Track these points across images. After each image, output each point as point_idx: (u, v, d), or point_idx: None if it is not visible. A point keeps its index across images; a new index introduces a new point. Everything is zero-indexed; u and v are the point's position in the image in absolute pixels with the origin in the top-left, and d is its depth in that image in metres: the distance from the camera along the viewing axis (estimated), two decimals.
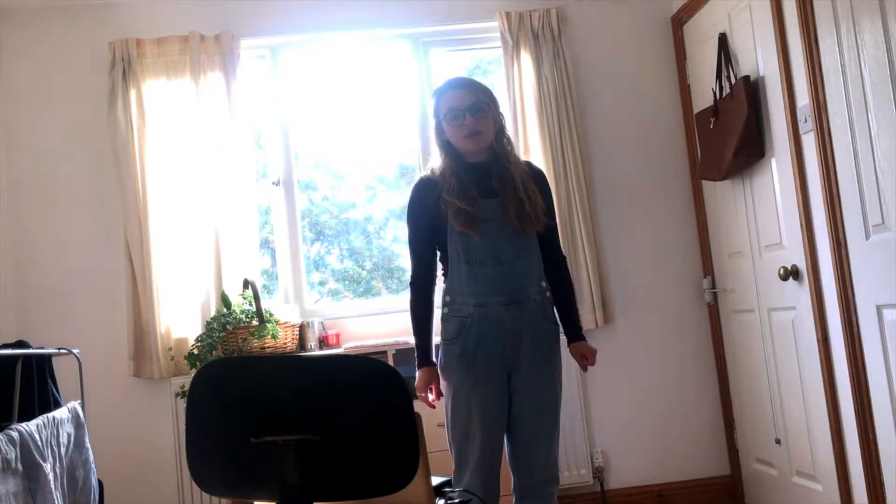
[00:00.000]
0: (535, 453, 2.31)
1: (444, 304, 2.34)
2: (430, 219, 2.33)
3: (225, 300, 3.21)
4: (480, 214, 2.27)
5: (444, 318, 2.34)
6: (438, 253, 2.39)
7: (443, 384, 2.35)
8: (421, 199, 2.35)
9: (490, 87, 2.40)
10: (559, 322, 2.42)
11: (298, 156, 3.69)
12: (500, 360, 2.28)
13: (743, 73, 3.03)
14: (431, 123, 2.42)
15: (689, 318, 3.59)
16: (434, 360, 2.37)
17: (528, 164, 2.47)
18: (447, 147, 2.35)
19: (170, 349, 3.29)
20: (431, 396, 2.36)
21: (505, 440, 2.35)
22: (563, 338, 2.45)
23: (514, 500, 2.37)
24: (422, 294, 2.38)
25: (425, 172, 2.43)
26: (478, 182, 2.31)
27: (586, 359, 2.45)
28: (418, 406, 2.01)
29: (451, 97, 2.31)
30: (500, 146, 2.35)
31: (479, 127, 2.29)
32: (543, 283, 2.37)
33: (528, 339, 2.29)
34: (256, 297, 3.11)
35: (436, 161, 2.40)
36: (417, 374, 2.36)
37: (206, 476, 1.52)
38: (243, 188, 3.42)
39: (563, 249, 2.53)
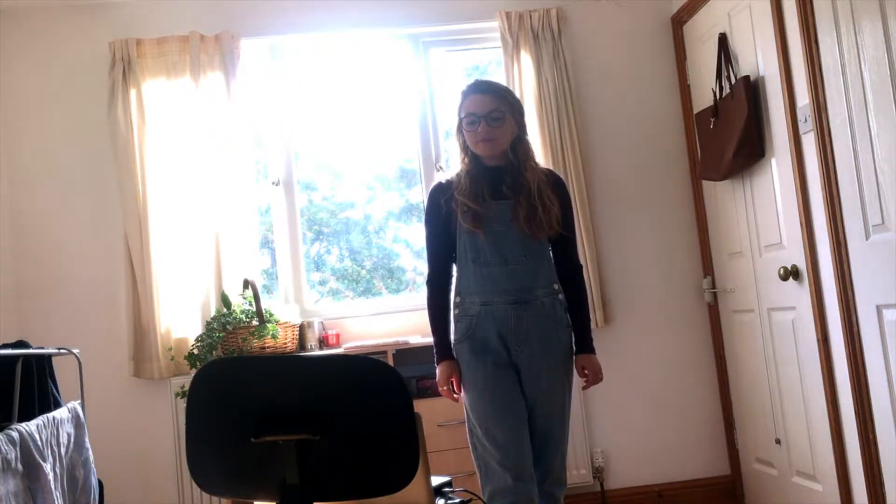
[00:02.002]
0: (542, 455, 2.31)
1: (455, 305, 2.37)
2: (443, 220, 2.37)
3: (225, 300, 3.21)
4: (489, 215, 2.30)
5: (455, 319, 2.37)
6: (455, 254, 2.41)
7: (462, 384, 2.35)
8: (435, 201, 2.40)
9: (515, 95, 2.43)
10: (571, 324, 2.40)
11: (298, 156, 3.70)
12: (508, 357, 2.29)
13: (743, 73, 3.03)
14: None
15: (689, 318, 3.59)
16: (454, 354, 2.37)
17: (550, 171, 2.47)
18: (466, 147, 2.39)
19: (170, 349, 3.29)
20: (454, 392, 2.35)
21: None
22: None
23: None
24: (437, 290, 2.40)
25: (443, 177, 2.47)
26: (491, 184, 2.34)
27: (587, 375, 2.42)
28: (418, 406, 2.01)
29: (471, 101, 2.34)
30: (516, 153, 2.36)
31: (493, 135, 2.31)
32: (556, 286, 2.37)
33: (535, 340, 2.29)
34: (256, 297, 3.11)
35: (457, 160, 2.44)
36: (437, 369, 2.35)
37: (206, 476, 1.52)
38: (243, 188, 3.42)
39: (578, 258, 2.50)
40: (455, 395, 2.35)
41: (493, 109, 2.30)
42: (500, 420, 2.24)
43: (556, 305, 2.35)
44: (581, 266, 2.49)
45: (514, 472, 2.19)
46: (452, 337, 2.36)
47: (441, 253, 2.40)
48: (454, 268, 2.41)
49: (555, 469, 2.32)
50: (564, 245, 2.42)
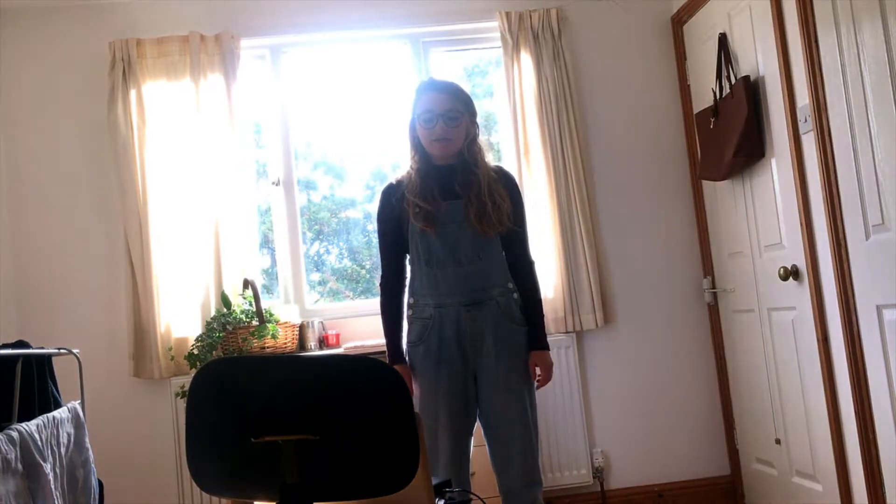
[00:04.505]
0: (511, 456, 2.31)
1: (409, 307, 2.39)
2: (395, 221, 2.38)
3: (225, 300, 3.21)
4: (440, 214, 2.30)
5: (409, 321, 2.39)
6: (408, 256, 2.41)
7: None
8: (387, 202, 2.41)
9: (469, 96, 2.42)
10: (526, 323, 2.40)
11: (298, 156, 3.70)
12: (463, 361, 2.31)
13: (743, 73, 3.03)
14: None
15: (689, 318, 3.59)
16: (405, 358, 2.39)
17: (499, 168, 2.47)
18: (417, 145, 2.39)
19: (170, 349, 3.29)
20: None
21: (485, 441, 2.38)
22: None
23: (501, 501, 2.37)
24: (391, 296, 2.42)
25: (391, 179, 2.47)
26: (441, 184, 2.34)
27: (539, 372, 2.40)
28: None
29: (428, 99, 2.34)
30: (469, 153, 2.37)
31: (449, 134, 2.32)
32: (510, 285, 2.38)
33: (491, 341, 2.30)
34: (256, 297, 3.11)
35: (406, 160, 2.44)
36: None
37: (206, 476, 1.52)
38: (243, 188, 3.42)
39: (531, 253, 2.47)
40: None
41: (450, 108, 2.31)
42: (448, 425, 2.28)
43: (512, 304, 2.35)
44: (533, 262, 2.47)
45: (456, 473, 2.27)
46: (405, 339, 2.38)
47: (393, 254, 2.41)
48: (408, 269, 2.41)
49: (527, 469, 2.32)
50: (516, 240, 2.41)
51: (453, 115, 2.31)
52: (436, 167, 2.37)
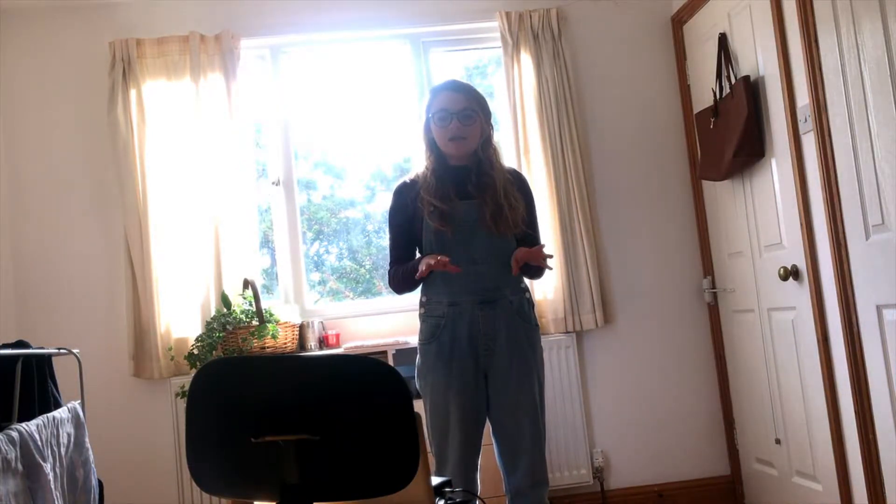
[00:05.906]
0: (520, 455, 2.31)
1: (421, 305, 2.39)
2: (408, 220, 2.39)
3: (225, 300, 3.21)
4: (456, 214, 2.31)
5: (420, 319, 2.39)
6: (418, 253, 2.42)
7: (420, 384, 2.37)
8: (400, 201, 2.41)
9: (485, 97, 2.43)
10: (538, 323, 2.43)
11: (298, 156, 3.70)
12: (475, 360, 2.31)
13: (743, 73, 3.03)
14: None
15: (689, 318, 3.59)
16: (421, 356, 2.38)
17: (513, 171, 2.49)
18: (432, 146, 2.39)
19: (170, 349, 3.29)
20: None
21: (493, 440, 2.38)
22: (546, 340, 2.42)
23: (507, 500, 2.37)
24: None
25: (405, 178, 2.47)
26: (456, 183, 2.35)
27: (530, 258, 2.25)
28: (418, 406, 2.01)
29: (443, 98, 2.34)
30: (484, 153, 2.38)
31: (464, 133, 2.32)
32: (522, 285, 2.39)
33: (503, 340, 2.30)
34: (256, 297, 3.11)
35: (420, 160, 2.44)
36: (420, 265, 2.24)
37: (206, 476, 1.52)
38: (243, 188, 3.42)
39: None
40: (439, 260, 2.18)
41: (465, 108, 2.32)
42: (459, 424, 2.28)
43: (524, 304, 2.37)
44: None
45: (465, 472, 2.27)
46: (418, 338, 2.38)
47: (405, 249, 2.40)
48: None
49: (535, 469, 2.32)
50: (531, 244, 2.41)
51: (468, 113, 2.32)
52: (451, 168, 2.38)
